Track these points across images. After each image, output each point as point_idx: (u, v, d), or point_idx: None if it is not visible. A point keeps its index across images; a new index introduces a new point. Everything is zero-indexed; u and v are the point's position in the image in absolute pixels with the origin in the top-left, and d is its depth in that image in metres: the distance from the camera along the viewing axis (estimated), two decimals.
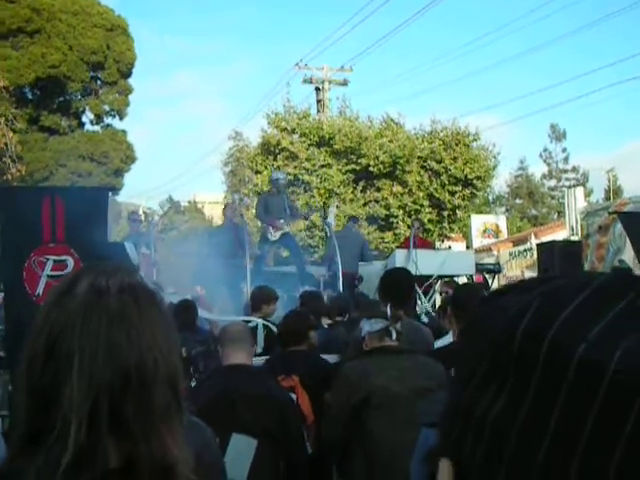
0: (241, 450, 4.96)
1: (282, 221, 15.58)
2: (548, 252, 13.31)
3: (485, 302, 0.94)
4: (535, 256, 16.40)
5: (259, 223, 17.97)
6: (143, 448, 1.46)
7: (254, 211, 18.29)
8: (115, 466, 1.45)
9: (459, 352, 0.99)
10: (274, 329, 8.46)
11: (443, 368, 5.19)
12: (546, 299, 0.86)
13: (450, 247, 27.20)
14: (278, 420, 5.12)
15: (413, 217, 27.62)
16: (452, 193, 28.93)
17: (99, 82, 39.61)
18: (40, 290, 7.80)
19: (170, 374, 1.54)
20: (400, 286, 7.07)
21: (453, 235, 31.92)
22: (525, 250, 30.02)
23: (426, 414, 2.91)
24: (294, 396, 6.12)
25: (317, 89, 35.12)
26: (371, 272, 14.14)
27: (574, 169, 60.27)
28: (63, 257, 7.90)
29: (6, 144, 28.99)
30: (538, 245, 15.06)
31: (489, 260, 25.45)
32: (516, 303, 0.87)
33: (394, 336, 5.32)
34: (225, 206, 16.84)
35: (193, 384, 7.21)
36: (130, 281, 1.60)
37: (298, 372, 6.38)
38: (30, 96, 37.65)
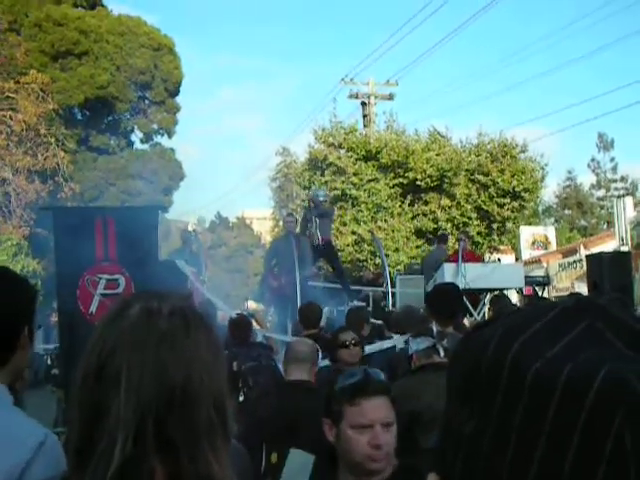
0: (300, 465, 5.00)
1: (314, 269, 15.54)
2: (597, 263, 13.22)
3: (467, 334, 1.00)
4: (585, 267, 16.26)
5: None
6: (187, 465, 1.51)
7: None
8: (159, 476, 1.51)
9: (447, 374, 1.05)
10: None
11: None
12: (508, 327, 0.92)
13: (499, 259, 27.05)
14: None
15: (461, 230, 27.52)
16: (500, 205, 28.75)
17: (147, 101, 39.99)
18: (93, 309, 7.92)
19: (215, 394, 1.58)
20: (448, 301, 7.07)
21: (502, 247, 31.74)
22: (574, 261, 29.76)
23: None
24: None
25: (363, 104, 35.13)
26: (420, 286, 14.14)
27: (623, 178, 59.60)
28: (115, 276, 8.02)
29: (57, 164, 29.37)
30: (587, 256, 14.96)
31: (538, 272, 25.30)
32: (485, 333, 0.94)
33: (442, 353, 5.33)
34: (286, 220, 16.59)
35: (241, 399, 7.29)
36: (181, 305, 1.66)
37: None
38: (79, 117, 38.10)
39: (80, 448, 1.56)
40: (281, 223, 43.62)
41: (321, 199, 16.04)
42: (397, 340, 9.23)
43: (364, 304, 15.73)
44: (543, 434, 0.83)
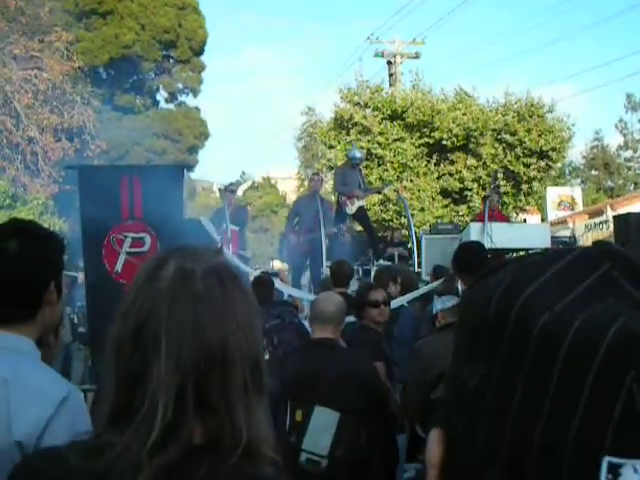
0: (324, 422, 5.03)
1: (360, 192, 15.68)
2: (624, 224, 13.09)
3: (476, 280, 0.97)
4: (611, 228, 16.17)
5: (333, 197, 18.04)
6: (227, 426, 1.52)
7: (331, 184, 18.28)
8: (199, 442, 1.51)
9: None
10: None
11: None
12: (517, 274, 0.89)
13: (525, 220, 26.97)
14: (360, 393, 5.18)
15: (487, 190, 27.46)
16: (527, 165, 28.62)
17: (172, 60, 39.91)
18: (119, 267, 7.96)
19: (253, 353, 1.59)
20: (473, 258, 7.05)
21: (528, 208, 31.63)
22: (601, 222, 29.66)
23: None
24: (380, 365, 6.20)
25: (389, 63, 35.01)
26: (446, 246, 14.10)
27: None
28: (141, 234, 8.05)
29: (84, 122, 29.41)
30: (614, 217, 14.85)
31: (564, 233, 25.19)
32: (493, 280, 0.91)
33: None
34: (312, 178, 16.67)
35: (266, 357, 7.33)
36: (214, 264, 1.65)
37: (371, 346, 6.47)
38: (104, 76, 38.10)
39: (118, 409, 1.57)
40: (306, 183, 43.68)
41: (357, 161, 16.17)
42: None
43: (390, 263, 15.80)
44: (548, 396, 0.80)
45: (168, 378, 1.49)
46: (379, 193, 21.41)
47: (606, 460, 0.77)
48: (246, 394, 1.55)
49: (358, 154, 16.80)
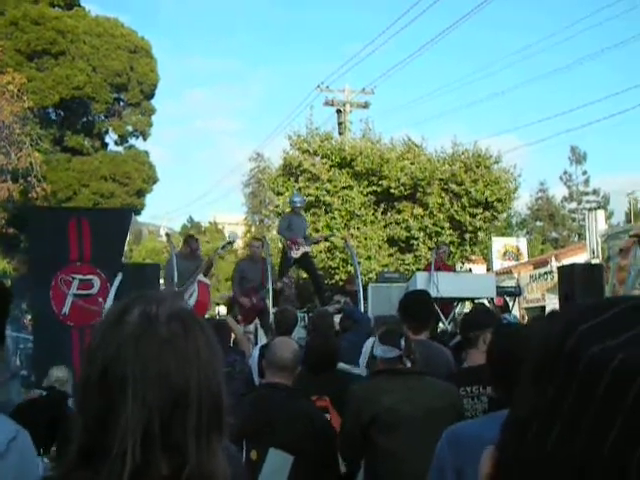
0: (278, 465, 5.05)
1: (303, 240, 15.77)
2: (568, 275, 13.27)
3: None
4: (556, 279, 16.35)
5: (280, 244, 18.10)
6: (193, 463, 1.57)
7: (276, 231, 18.40)
8: (166, 474, 1.56)
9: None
10: None
11: (455, 389, 5.26)
12: (579, 312, 0.96)
13: (471, 270, 27.18)
14: (314, 439, 5.20)
15: (434, 240, 27.62)
16: (473, 215, 28.87)
17: (122, 103, 39.91)
18: (66, 309, 7.90)
19: (214, 395, 1.64)
20: (420, 308, 7.11)
21: (474, 257, 31.88)
22: (546, 273, 29.99)
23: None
24: (328, 416, 6.22)
25: (338, 111, 35.25)
26: (392, 294, 14.16)
27: (594, 191, 60.22)
28: (89, 276, 8.01)
29: (31, 163, 29.23)
30: (559, 268, 15.02)
31: (510, 283, 25.42)
32: (544, 326, 0.98)
33: (408, 364, 5.35)
34: (252, 245, 16.79)
35: None
36: (178, 308, 1.71)
37: (329, 393, 6.49)
38: (54, 117, 37.98)
39: (87, 449, 1.61)
40: (253, 229, 43.41)
41: (298, 204, 16.28)
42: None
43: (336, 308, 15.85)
44: (589, 417, 0.86)
45: (135, 419, 1.53)
46: (326, 240, 21.47)
47: None
48: (208, 433, 1.60)
49: (297, 198, 16.96)
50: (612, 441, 0.84)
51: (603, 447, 0.85)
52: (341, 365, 7.67)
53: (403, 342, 5.33)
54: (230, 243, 17.54)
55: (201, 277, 14.80)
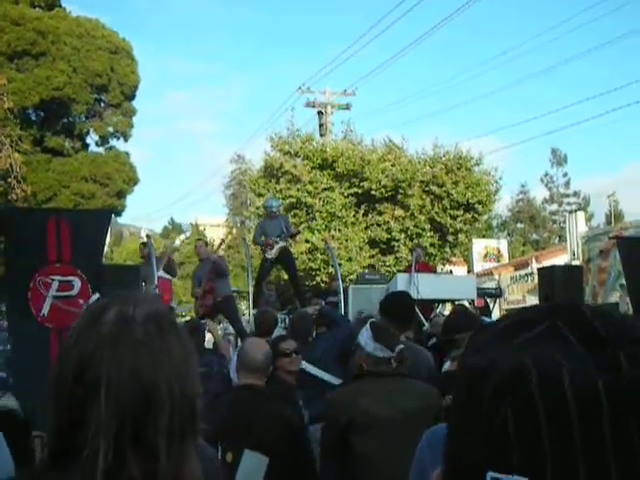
0: (253, 467, 5.04)
1: (277, 238, 15.76)
2: (548, 277, 13.31)
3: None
4: (536, 280, 16.41)
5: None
6: (165, 465, 1.55)
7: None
8: (138, 475, 1.54)
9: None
10: None
11: (436, 391, 5.25)
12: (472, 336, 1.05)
13: (451, 271, 27.22)
14: (289, 442, 5.19)
15: (415, 241, 27.66)
16: (454, 217, 28.96)
17: (103, 104, 39.80)
18: (45, 311, 7.84)
19: (188, 396, 1.63)
20: (401, 309, 7.11)
21: (455, 259, 31.95)
22: (526, 274, 30.08)
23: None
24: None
25: (320, 113, 35.27)
26: (372, 296, 14.17)
27: (575, 194, 60.46)
28: (69, 278, 7.95)
29: (11, 165, 29.10)
30: (539, 269, 15.06)
31: (490, 284, 25.45)
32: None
33: (393, 365, 5.32)
34: (196, 245, 16.96)
35: None
36: (154, 309, 1.70)
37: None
38: (34, 118, 37.82)
39: (57, 451, 1.60)
40: (234, 230, 43.36)
41: (274, 209, 16.28)
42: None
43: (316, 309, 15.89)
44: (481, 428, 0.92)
45: (107, 420, 1.52)
46: (298, 233, 21.32)
47: (489, 475, 0.89)
48: (181, 434, 1.59)
49: (273, 202, 16.89)
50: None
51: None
52: (318, 372, 7.67)
53: (398, 348, 5.30)
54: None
55: (162, 273, 14.88)
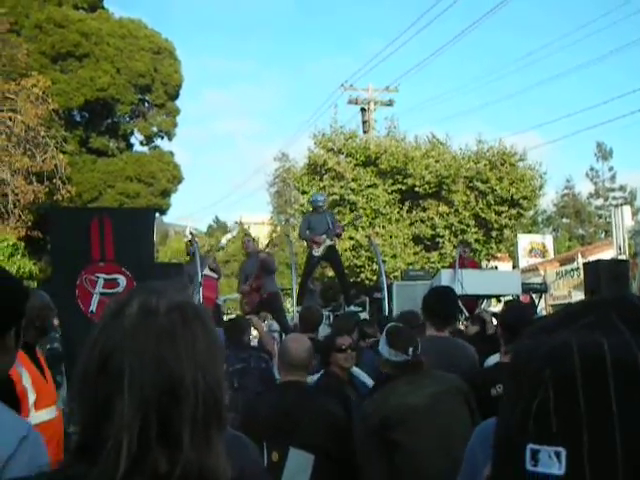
0: (299, 465, 5.03)
1: (324, 236, 15.74)
2: (594, 271, 13.20)
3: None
4: (582, 276, 16.28)
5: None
6: (189, 455, 1.55)
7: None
8: (164, 471, 1.54)
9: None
10: None
11: (456, 376, 5.26)
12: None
13: (496, 267, 27.07)
14: (335, 436, 5.19)
15: (459, 238, 27.56)
16: (498, 213, 28.80)
17: (147, 104, 40.02)
18: (94, 307, 7.94)
19: (212, 387, 1.62)
20: (444, 304, 7.08)
21: (500, 255, 31.78)
22: (572, 270, 29.83)
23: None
24: None
25: (363, 109, 35.22)
26: (417, 292, 14.14)
27: (621, 188, 59.82)
28: (114, 275, 8.03)
29: (56, 166, 29.35)
30: (584, 264, 14.95)
31: (536, 280, 25.30)
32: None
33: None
34: (243, 241, 17.09)
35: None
36: (178, 300, 1.69)
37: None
38: (79, 119, 38.11)
39: (85, 444, 1.61)
40: (279, 228, 43.48)
41: (320, 204, 16.26)
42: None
43: (359, 309, 15.92)
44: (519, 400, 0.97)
45: (132, 412, 1.53)
46: (343, 231, 21.29)
47: (529, 447, 0.91)
48: (205, 425, 1.59)
49: (319, 197, 16.92)
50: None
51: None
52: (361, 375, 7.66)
53: (412, 350, 5.29)
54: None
55: (207, 272, 14.93)
